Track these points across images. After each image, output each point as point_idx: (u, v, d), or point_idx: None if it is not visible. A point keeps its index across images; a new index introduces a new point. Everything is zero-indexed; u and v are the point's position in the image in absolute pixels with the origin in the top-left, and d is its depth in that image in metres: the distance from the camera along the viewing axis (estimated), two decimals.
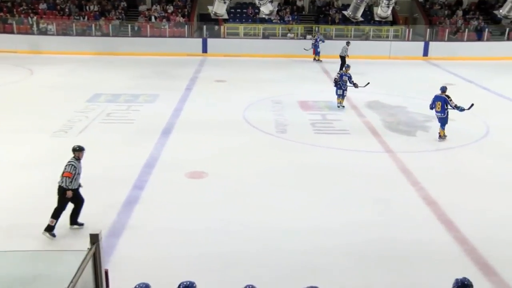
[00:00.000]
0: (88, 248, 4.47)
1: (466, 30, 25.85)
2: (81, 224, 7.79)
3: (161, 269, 6.77)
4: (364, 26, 26.36)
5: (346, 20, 25.82)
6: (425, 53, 25.14)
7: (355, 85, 15.00)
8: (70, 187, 7.49)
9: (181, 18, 26.46)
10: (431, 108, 12.43)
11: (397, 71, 21.76)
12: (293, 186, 9.61)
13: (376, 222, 8.26)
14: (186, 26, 25.94)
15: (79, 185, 7.71)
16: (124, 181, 9.52)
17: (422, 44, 25.44)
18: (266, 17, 23.07)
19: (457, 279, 4.68)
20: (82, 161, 7.74)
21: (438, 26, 26.40)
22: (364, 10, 19.92)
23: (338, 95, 15.19)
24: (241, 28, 26.54)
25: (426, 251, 7.40)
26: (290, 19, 27.17)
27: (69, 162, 7.59)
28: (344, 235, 7.83)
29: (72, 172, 7.49)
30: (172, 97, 16.23)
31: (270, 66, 22.39)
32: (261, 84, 18.57)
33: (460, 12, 27.28)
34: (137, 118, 13.97)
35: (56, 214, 7.52)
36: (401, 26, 27.18)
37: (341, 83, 14.95)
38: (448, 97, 12.07)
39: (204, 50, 25.01)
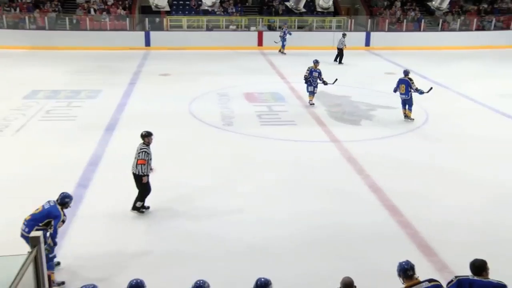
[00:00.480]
0: (28, 252, 4.29)
1: (405, 21, 26.70)
2: (147, 208, 8.06)
3: (104, 269, 6.62)
4: (308, 17, 26.70)
5: (289, 12, 26.05)
6: (367, 43, 25.78)
7: (324, 82, 14.42)
8: (145, 173, 7.79)
9: (122, 10, 25.79)
10: (395, 91, 13.27)
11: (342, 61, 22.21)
12: (240, 178, 9.62)
13: (324, 210, 8.42)
14: (127, 19, 25.31)
15: (151, 170, 7.94)
16: (67, 180, 9.20)
17: (364, 34, 26.06)
18: (210, 9, 22.86)
19: (400, 263, 4.84)
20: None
21: (379, 17, 27.13)
22: (307, 1, 20.14)
23: (310, 92, 14.53)
24: (184, 20, 26.21)
25: (373, 236, 7.63)
26: (234, 10, 27.09)
27: (141, 149, 7.83)
28: (292, 223, 7.94)
29: (145, 158, 7.77)
30: (115, 92, 15.83)
31: (214, 58, 22.26)
32: (206, 76, 18.43)
33: (398, 3, 28.15)
34: (79, 114, 13.53)
35: (142, 197, 7.93)
36: (344, 17, 27.72)
37: (312, 79, 14.34)
38: (411, 79, 13.01)
39: (147, 43, 24.52)
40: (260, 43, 25.08)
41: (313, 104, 14.60)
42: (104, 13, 25.40)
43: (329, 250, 7.26)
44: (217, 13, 26.57)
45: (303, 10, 20.62)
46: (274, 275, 5.07)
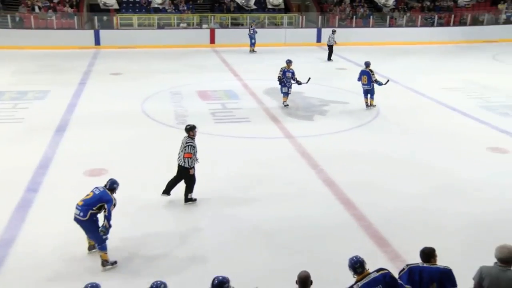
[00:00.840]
0: None
1: (354, 17, 27.28)
2: (195, 200, 8.48)
3: (55, 273, 6.48)
4: (259, 14, 26.81)
5: (241, 9, 26.11)
6: (319, 39, 26.16)
7: (298, 82, 14.14)
8: (192, 166, 8.20)
9: (69, 8, 25.04)
10: (359, 80, 14.22)
11: (292, 58, 22.33)
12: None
13: (279, 205, 8.53)
14: (75, 17, 24.61)
15: (197, 160, 8.35)
16: (15, 184, 8.91)
17: (315, 30, 26.44)
18: (160, 6, 22.61)
19: (350, 259, 4.95)
20: None
21: (329, 14, 27.58)
22: None
23: (284, 93, 14.19)
24: (135, 18, 25.74)
25: (328, 229, 7.79)
26: (185, 8, 26.85)
27: (187, 143, 8.17)
28: (247, 218, 8.00)
29: (191, 152, 8.14)
30: (65, 92, 15.40)
31: (166, 57, 22.01)
32: (159, 75, 18.22)
33: (348, 0, 28.70)
34: (27, 116, 13.08)
35: (191, 188, 8.39)
36: (295, 13, 28.01)
37: (285, 80, 14.00)
38: (371, 71, 13.96)
39: (97, 42, 23.93)
40: (212, 40, 24.98)
41: (288, 105, 14.28)
42: (50, 11, 24.59)
43: (285, 243, 7.37)
44: (168, 10, 26.26)
45: (254, 7, 20.73)
46: (230, 271, 5.11)
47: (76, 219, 6.59)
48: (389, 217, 8.15)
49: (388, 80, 14.26)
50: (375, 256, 6.82)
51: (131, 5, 26.92)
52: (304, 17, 27.42)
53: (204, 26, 25.82)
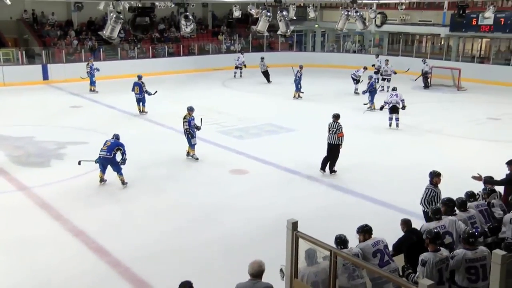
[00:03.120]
0: None
1: (82, 50, 26.77)
2: (335, 171, 11.79)
3: None
4: None
5: None
6: (45, 76, 24.85)
7: (198, 128, 13.01)
8: (341, 143, 11.56)
9: None
10: (132, 91, 17.93)
11: (15, 99, 20.69)
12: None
13: (28, 268, 7.72)
14: None
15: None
16: None
17: (40, 67, 25.00)
18: None
19: None
20: None
21: (54, 48, 26.43)
22: None
23: (193, 146, 13.00)
24: None
25: (85, 283, 7.39)
26: None
27: (338, 125, 11.53)
28: None
29: (343, 132, 11.53)
30: None
31: None
32: None
33: (73, 33, 28.02)
34: None
35: (335, 163, 11.79)
36: (11, 48, 25.96)
37: (191, 130, 12.77)
38: (143, 83, 17.81)
39: None
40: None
41: (198, 159, 13.00)
42: None
43: None
44: None
45: None
46: None
47: (103, 158, 10.82)
48: (144, 257, 8.16)
49: (156, 91, 17.94)
50: None
51: None
52: (23, 52, 25.63)
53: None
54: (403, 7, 23.22)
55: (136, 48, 28.50)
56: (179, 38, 30.35)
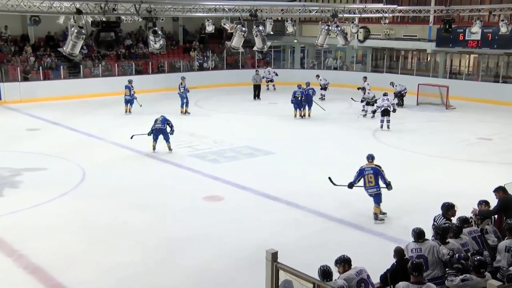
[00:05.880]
0: None
1: (40, 68, 26.50)
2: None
3: None
4: None
5: None
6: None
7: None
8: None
9: None
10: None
11: None
12: None
13: None
14: None
15: None
16: None
17: None
18: None
19: None
20: None
21: (8, 65, 26.11)
22: None
23: None
24: None
25: None
26: None
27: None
28: None
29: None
30: None
31: None
32: None
33: (29, 49, 27.73)
34: None
35: None
36: None
37: None
38: (132, 87, 21.72)
39: None
40: None
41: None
42: None
43: None
44: None
45: None
46: None
47: (159, 129, 15.42)
48: None
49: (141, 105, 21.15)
50: None
51: None
52: None
53: None
54: (387, 21, 23.52)
55: (100, 65, 28.33)
56: (148, 54, 30.32)
